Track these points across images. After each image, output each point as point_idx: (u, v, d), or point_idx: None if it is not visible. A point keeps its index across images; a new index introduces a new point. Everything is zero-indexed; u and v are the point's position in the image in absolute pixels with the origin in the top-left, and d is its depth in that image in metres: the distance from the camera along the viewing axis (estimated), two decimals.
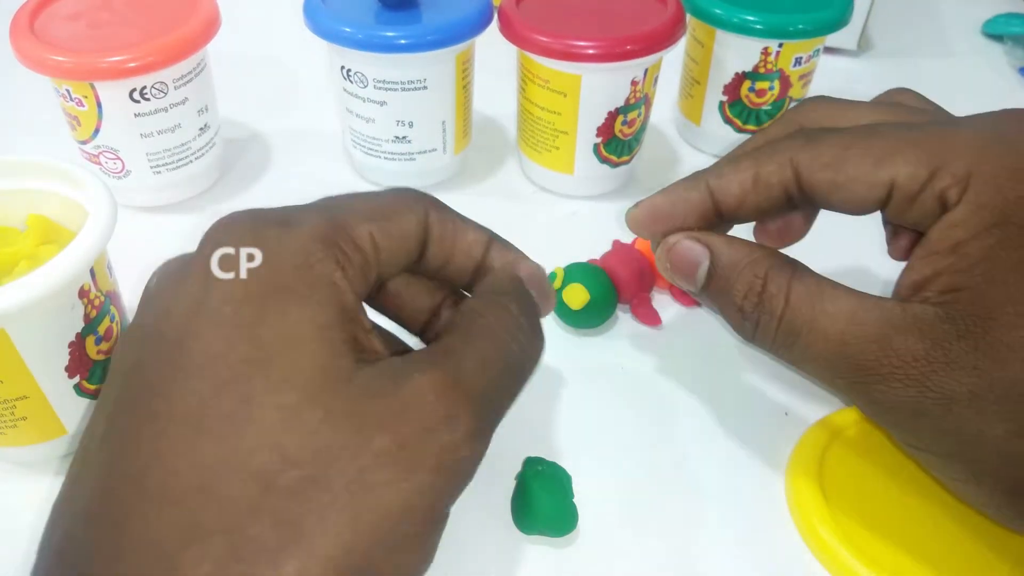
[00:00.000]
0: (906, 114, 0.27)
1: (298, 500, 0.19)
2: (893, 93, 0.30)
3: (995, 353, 0.23)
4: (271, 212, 0.23)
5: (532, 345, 0.24)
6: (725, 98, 0.45)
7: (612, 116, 0.40)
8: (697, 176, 0.27)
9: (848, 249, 0.38)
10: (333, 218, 0.23)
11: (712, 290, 0.27)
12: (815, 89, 0.46)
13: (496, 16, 0.41)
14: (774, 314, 0.25)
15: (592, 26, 0.39)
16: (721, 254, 0.27)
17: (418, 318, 0.26)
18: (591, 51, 0.38)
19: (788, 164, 0.26)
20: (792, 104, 0.44)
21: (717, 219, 0.27)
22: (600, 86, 0.39)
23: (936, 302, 0.24)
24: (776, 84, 0.43)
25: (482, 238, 0.25)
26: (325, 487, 0.19)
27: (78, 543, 0.19)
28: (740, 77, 0.43)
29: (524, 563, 0.28)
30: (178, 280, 0.22)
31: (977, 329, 0.23)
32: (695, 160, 0.47)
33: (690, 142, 0.49)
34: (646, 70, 0.40)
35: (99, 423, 0.22)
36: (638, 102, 0.41)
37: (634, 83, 0.40)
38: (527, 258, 0.26)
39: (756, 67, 0.43)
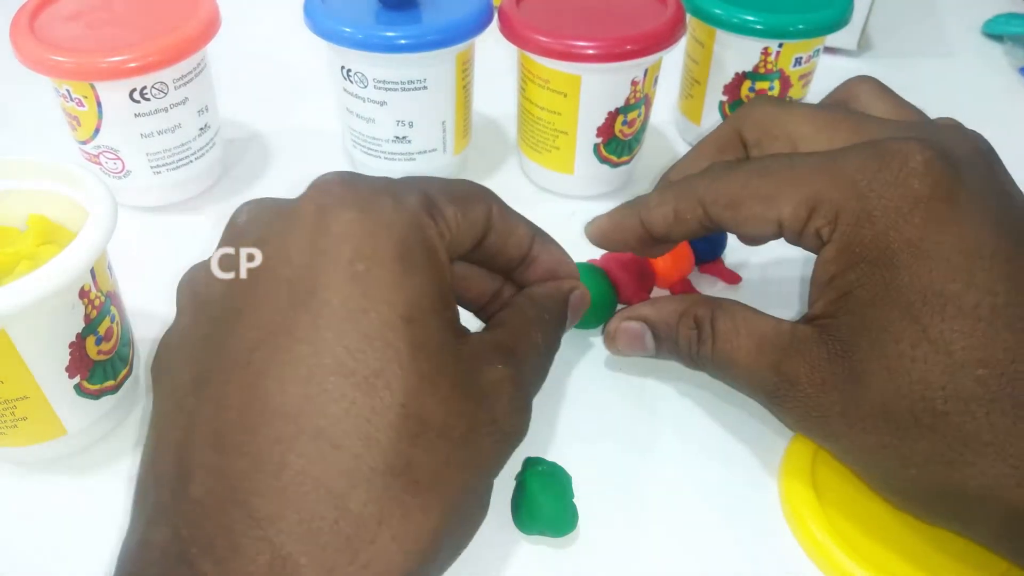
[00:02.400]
0: (843, 117, 0.29)
1: (435, 452, 0.22)
2: (851, 84, 0.33)
3: (857, 376, 0.25)
4: (374, 180, 0.25)
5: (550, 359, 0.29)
6: (725, 98, 0.45)
7: (612, 116, 0.40)
8: (633, 205, 0.31)
9: None
10: (428, 195, 0.25)
11: (665, 348, 0.32)
12: (815, 89, 0.46)
13: (496, 16, 0.41)
14: (707, 356, 0.30)
15: (592, 26, 0.39)
16: (656, 320, 0.31)
17: (480, 300, 0.30)
18: (591, 51, 0.38)
19: (698, 203, 0.29)
20: None
21: (652, 241, 0.31)
22: (600, 86, 0.39)
23: (817, 324, 0.27)
24: (776, 84, 0.43)
25: (529, 233, 0.29)
26: (451, 440, 0.22)
27: (213, 472, 0.21)
28: (740, 77, 0.43)
29: (524, 564, 0.28)
30: (287, 225, 0.24)
31: (843, 353, 0.26)
32: None
33: (690, 142, 0.48)
34: (646, 70, 0.40)
35: (201, 359, 0.23)
36: (638, 102, 0.41)
37: (634, 83, 0.40)
38: (570, 263, 0.31)
39: (756, 67, 0.43)
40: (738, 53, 0.43)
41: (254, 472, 0.20)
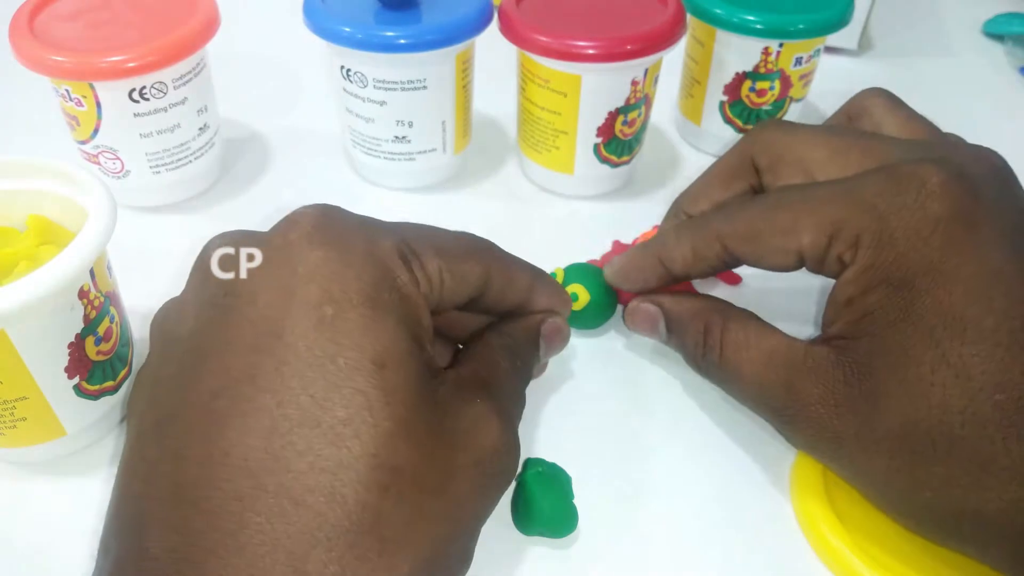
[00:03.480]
0: (854, 141, 0.29)
1: (407, 504, 0.21)
2: (862, 97, 0.33)
3: (873, 399, 0.25)
4: (351, 218, 0.25)
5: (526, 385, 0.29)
6: (726, 98, 0.45)
7: (612, 116, 0.40)
8: (651, 246, 0.32)
9: None
10: (409, 243, 0.25)
11: (673, 342, 0.32)
12: (815, 89, 0.46)
13: (496, 16, 0.41)
14: (714, 363, 0.30)
15: (592, 26, 0.38)
16: (671, 311, 0.32)
17: (460, 341, 0.30)
18: (591, 51, 0.38)
19: (716, 239, 0.30)
20: (793, 104, 0.44)
21: (672, 279, 0.32)
22: (600, 86, 0.39)
23: (834, 345, 0.27)
24: (777, 84, 0.43)
25: (528, 281, 0.29)
26: (425, 490, 0.21)
27: (171, 528, 0.20)
28: (741, 77, 0.43)
29: (524, 564, 0.28)
30: (263, 262, 0.23)
31: (860, 375, 0.26)
32: (696, 160, 0.47)
33: (690, 142, 0.49)
34: (646, 70, 0.40)
35: (164, 402, 0.22)
36: (638, 102, 0.41)
37: (634, 83, 0.40)
38: (566, 302, 0.31)
39: (757, 67, 0.43)
40: (738, 53, 0.43)
41: (211, 531, 0.20)
